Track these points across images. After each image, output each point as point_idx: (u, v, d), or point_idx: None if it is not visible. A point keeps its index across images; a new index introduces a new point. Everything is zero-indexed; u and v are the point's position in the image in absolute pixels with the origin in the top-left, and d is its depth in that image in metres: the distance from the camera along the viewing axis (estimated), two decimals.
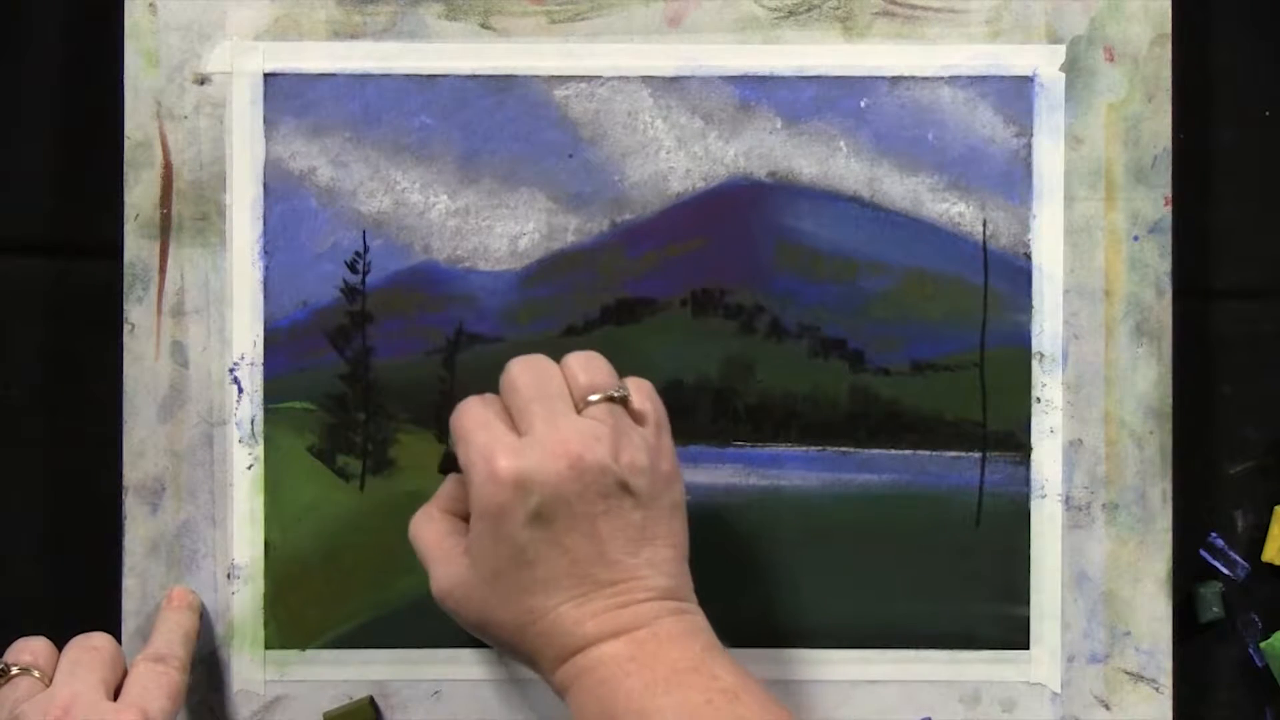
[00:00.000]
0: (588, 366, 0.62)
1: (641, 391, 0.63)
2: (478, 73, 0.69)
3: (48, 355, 0.71)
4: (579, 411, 0.61)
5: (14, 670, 0.63)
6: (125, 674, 0.63)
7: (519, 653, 0.62)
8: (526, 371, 0.62)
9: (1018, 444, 0.69)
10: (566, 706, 0.61)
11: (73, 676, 0.62)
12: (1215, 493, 0.71)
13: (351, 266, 0.69)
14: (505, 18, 0.69)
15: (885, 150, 0.69)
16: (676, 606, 0.61)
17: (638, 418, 0.63)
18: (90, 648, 0.63)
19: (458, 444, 0.61)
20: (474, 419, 0.61)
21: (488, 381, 0.63)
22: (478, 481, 0.60)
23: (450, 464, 0.64)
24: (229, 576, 0.69)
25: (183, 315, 0.69)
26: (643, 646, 0.59)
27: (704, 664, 0.59)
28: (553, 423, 0.60)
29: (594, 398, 0.61)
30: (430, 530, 0.63)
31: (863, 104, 0.69)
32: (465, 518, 0.63)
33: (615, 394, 0.62)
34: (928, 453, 0.69)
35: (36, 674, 0.63)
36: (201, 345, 0.69)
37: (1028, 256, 0.69)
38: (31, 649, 0.64)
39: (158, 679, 0.63)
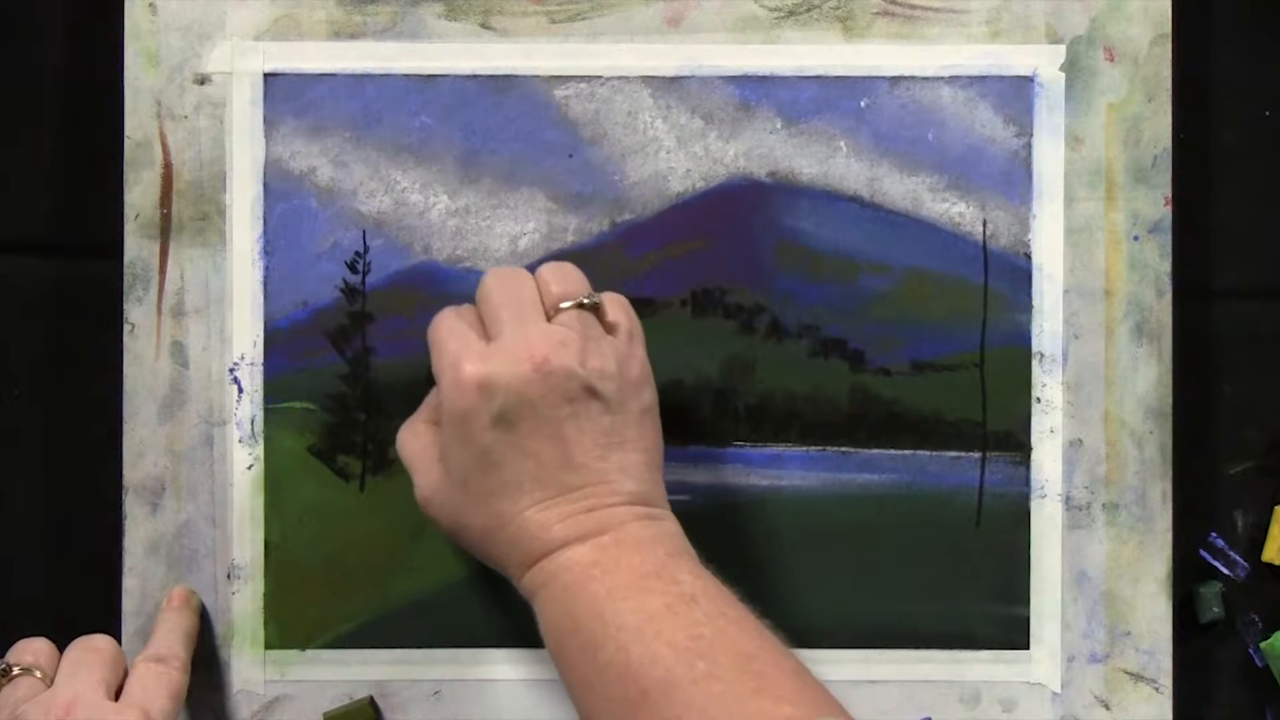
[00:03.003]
0: (560, 276, 0.63)
1: (615, 303, 0.64)
2: (478, 73, 0.69)
3: (48, 355, 0.71)
4: (550, 319, 0.62)
5: (15, 670, 0.63)
6: (126, 675, 0.64)
7: (490, 558, 0.62)
8: (499, 281, 0.63)
9: (1018, 444, 0.69)
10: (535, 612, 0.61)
11: (74, 677, 0.62)
12: (1215, 493, 0.71)
13: (351, 266, 0.69)
14: (505, 18, 0.69)
15: (885, 150, 0.69)
16: (645, 511, 0.61)
17: (610, 328, 0.63)
18: (92, 649, 0.63)
19: (431, 353, 0.62)
20: (446, 328, 0.62)
21: None
22: (446, 388, 0.61)
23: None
24: (229, 576, 0.69)
25: (183, 315, 0.69)
26: (606, 551, 0.60)
27: (666, 569, 0.59)
28: (521, 328, 0.61)
29: (565, 304, 0.62)
30: (414, 441, 0.64)
31: (863, 104, 0.69)
32: None
33: (586, 300, 0.62)
34: (928, 453, 0.69)
35: (38, 674, 0.63)
36: (201, 345, 0.69)
37: (1028, 256, 0.69)
38: (33, 649, 0.64)
39: (159, 679, 0.63)
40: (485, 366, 0.60)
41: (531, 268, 0.65)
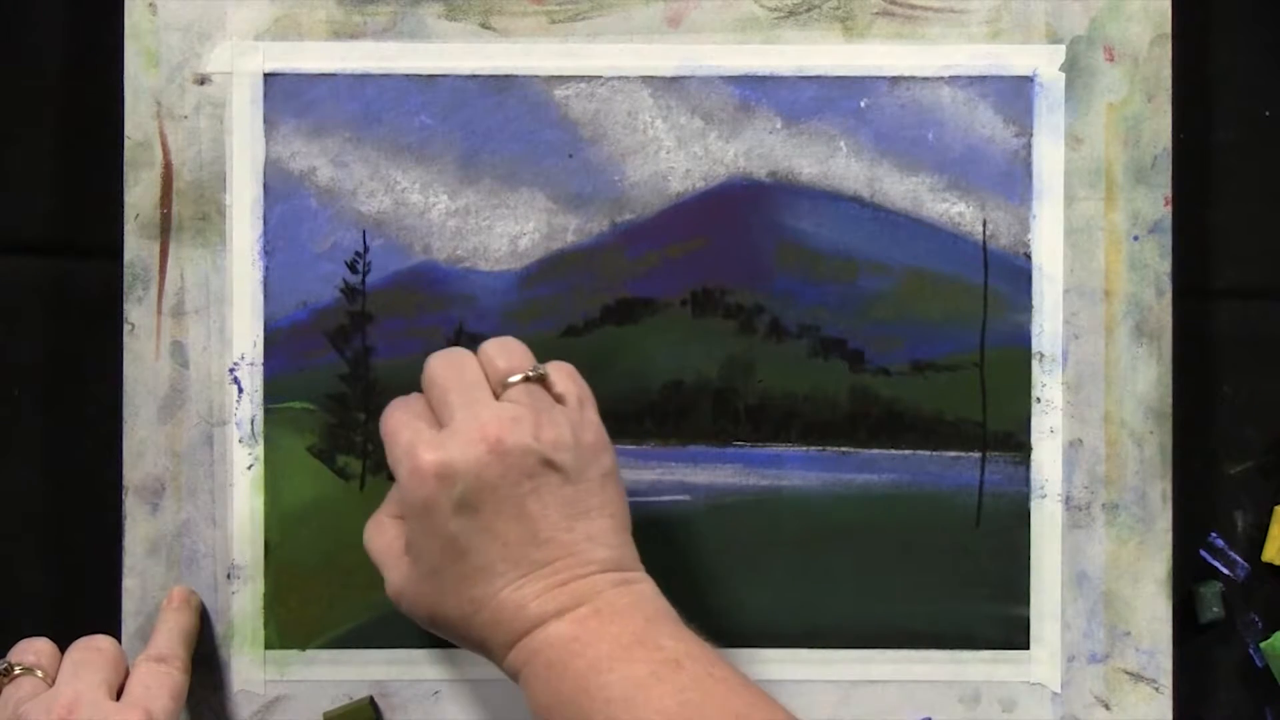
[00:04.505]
0: (503, 351, 0.63)
1: (561, 372, 0.63)
2: (478, 73, 0.69)
3: (48, 355, 0.71)
4: (498, 397, 0.62)
5: (17, 670, 0.63)
6: (127, 675, 0.64)
7: (470, 642, 0.62)
8: (443, 364, 0.62)
9: (1018, 444, 0.69)
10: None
11: (76, 677, 0.62)
12: (1215, 493, 0.71)
13: (351, 266, 0.69)
14: (505, 18, 0.69)
15: (885, 150, 0.69)
16: (620, 578, 0.61)
17: (559, 398, 0.63)
18: (93, 649, 0.64)
19: (385, 447, 0.62)
20: (396, 420, 0.62)
21: None
22: (404, 479, 0.60)
23: None
24: (229, 576, 0.69)
25: (183, 315, 0.69)
26: (585, 624, 0.59)
27: (648, 635, 0.59)
28: (471, 410, 0.60)
29: (512, 379, 0.62)
30: (380, 537, 0.64)
31: (863, 104, 0.69)
32: None
33: (532, 374, 0.62)
34: (928, 453, 0.69)
35: (40, 674, 0.63)
36: (201, 345, 0.69)
37: (1028, 256, 0.69)
38: (35, 649, 0.64)
39: (160, 679, 0.63)
40: (440, 454, 0.60)
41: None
